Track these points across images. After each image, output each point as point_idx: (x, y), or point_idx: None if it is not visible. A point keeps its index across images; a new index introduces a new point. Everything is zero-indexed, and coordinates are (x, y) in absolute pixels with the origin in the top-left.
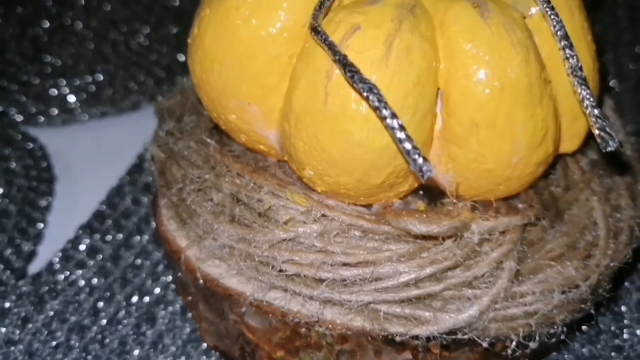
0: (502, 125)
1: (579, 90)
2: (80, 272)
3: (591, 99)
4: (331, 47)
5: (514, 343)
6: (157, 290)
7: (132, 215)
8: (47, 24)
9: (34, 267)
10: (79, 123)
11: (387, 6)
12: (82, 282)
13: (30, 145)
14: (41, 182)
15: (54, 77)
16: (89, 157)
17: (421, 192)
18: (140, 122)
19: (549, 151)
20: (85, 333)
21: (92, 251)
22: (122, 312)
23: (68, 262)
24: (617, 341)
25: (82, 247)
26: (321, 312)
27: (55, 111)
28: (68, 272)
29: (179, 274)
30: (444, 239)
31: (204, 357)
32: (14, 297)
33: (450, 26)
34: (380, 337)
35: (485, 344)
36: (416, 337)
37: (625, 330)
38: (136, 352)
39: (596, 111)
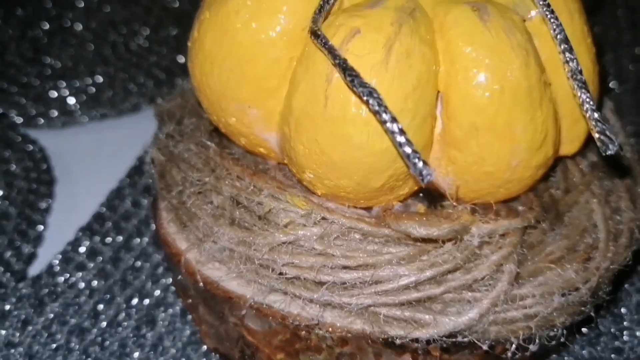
0: (502, 128)
1: (579, 94)
2: (80, 274)
3: (591, 103)
4: (331, 51)
5: (513, 346)
6: (157, 293)
7: (132, 218)
8: (46, 26)
9: (34, 270)
10: (78, 125)
11: (387, 10)
12: (82, 285)
13: (30, 147)
14: (41, 184)
15: (53, 79)
16: (89, 159)
17: (421, 194)
18: (140, 124)
19: (548, 154)
20: (85, 335)
21: (92, 253)
22: (122, 315)
23: (68, 265)
24: (617, 343)
25: (82, 249)
26: (321, 315)
27: (55, 113)
28: (68, 275)
29: (179, 276)
30: (444, 242)
31: (204, 359)
32: (14, 300)
33: (450, 29)
34: (380, 339)
35: (485, 347)
36: (416, 340)
37: (625, 332)
38: (136, 354)
39: (596, 115)
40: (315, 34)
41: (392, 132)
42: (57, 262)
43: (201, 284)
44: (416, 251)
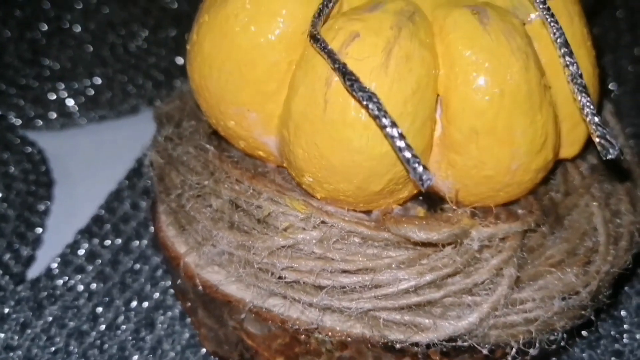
0: (502, 132)
1: (579, 98)
2: (79, 277)
3: (591, 107)
4: (330, 55)
5: (514, 350)
6: (156, 295)
7: (131, 220)
8: (45, 27)
9: (33, 272)
10: (77, 127)
11: (386, 13)
12: (80, 287)
13: (29, 149)
14: (40, 187)
15: (52, 81)
16: (88, 161)
17: (421, 198)
18: (139, 125)
19: (548, 157)
20: (84, 338)
21: (91, 256)
22: (121, 318)
23: (67, 267)
24: (617, 346)
25: (81, 251)
26: (321, 319)
27: (53, 115)
28: (67, 277)
29: (178, 280)
30: (443, 246)
31: None
32: (12, 303)
33: (450, 33)
34: (380, 344)
35: (485, 351)
36: (416, 344)
37: (625, 335)
38: (135, 357)
39: (596, 119)
40: (314, 37)
41: (392, 137)
42: (56, 265)
43: (200, 287)
44: (416, 255)
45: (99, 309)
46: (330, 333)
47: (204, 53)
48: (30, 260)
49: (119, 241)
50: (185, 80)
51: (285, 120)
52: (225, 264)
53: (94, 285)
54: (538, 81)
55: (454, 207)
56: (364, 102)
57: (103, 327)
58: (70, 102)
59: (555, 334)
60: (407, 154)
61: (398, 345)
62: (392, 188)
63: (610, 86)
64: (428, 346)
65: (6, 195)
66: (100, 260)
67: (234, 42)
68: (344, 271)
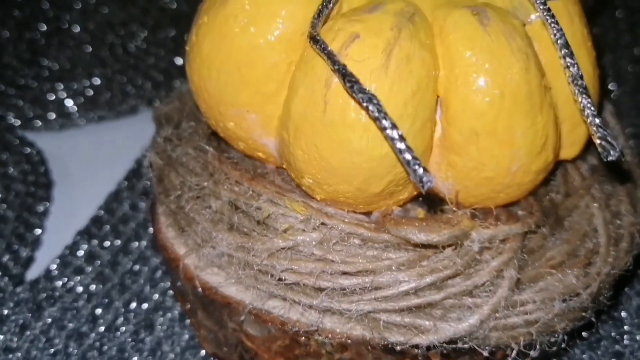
0: (502, 133)
1: (580, 99)
2: (78, 278)
3: (592, 108)
4: (330, 57)
5: (514, 352)
6: (156, 297)
7: (130, 221)
8: (44, 27)
9: (32, 274)
10: (76, 127)
11: (386, 14)
12: (80, 289)
13: (28, 150)
14: (39, 188)
15: (51, 81)
16: (87, 162)
17: (420, 199)
18: (138, 126)
19: (549, 159)
20: (83, 340)
21: (90, 257)
22: (121, 319)
23: (66, 269)
24: (617, 347)
25: (80, 253)
26: (321, 320)
27: (52, 115)
28: (66, 279)
29: (178, 281)
30: (444, 248)
31: None
32: (11, 304)
33: (450, 34)
34: (380, 346)
35: (485, 353)
36: (416, 346)
37: (625, 337)
38: (135, 359)
39: (597, 120)
40: (314, 39)
41: (392, 139)
42: (55, 266)
43: (200, 289)
44: (416, 257)
45: (98, 311)
46: (330, 335)
47: (203, 54)
48: (29, 261)
49: (118, 242)
50: (184, 80)
51: (285, 122)
52: (225, 266)
53: (93, 287)
54: (538, 82)
55: (454, 209)
56: (364, 104)
57: (102, 328)
58: (69, 103)
59: (556, 335)
60: (408, 156)
61: (398, 347)
62: (392, 189)
63: (610, 86)
64: (428, 348)
65: (5, 196)
66: (99, 262)
67: (234, 43)
68: (344, 273)
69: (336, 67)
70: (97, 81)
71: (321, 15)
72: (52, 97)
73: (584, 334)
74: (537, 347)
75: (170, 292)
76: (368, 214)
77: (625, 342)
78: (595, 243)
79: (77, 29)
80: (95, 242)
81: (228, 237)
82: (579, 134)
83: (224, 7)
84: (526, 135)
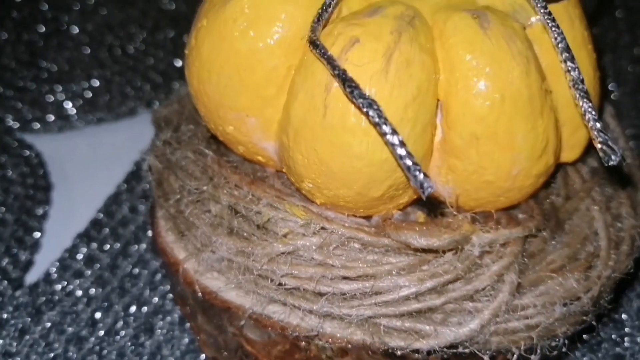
0: (503, 137)
1: (581, 104)
2: (77, 281)
3: (593, 113)
4: (330, 62)
5: (515, 356)
6: (155, 300)
7: (129, 224)
8: (42, 29)
9: (31, 277)
10: (75, 129)
11: (386, 18)
12: (79, 292)
13: (27, 152)
14: (38, 190)
15: (50, 83)
16: (86, 164)
17: (421, 202)
18: (137, 128)
19: (549, 162)
20: (83, 344)
21: (89, 260)
22: (120, 323)
23: (65, 272)
24: (618, 349)
25: (80, 256)
26: (321, 325)
27: (51, 118)
28: (65, 282)
29: (178, 286)
30: (444, 252)
31: None
32: (11, 308)
33: (450, 37)
34: (381, 350)
35: (486, 358)
36: (417, 351)
37: (626, 339)
38: None
39: (598, 125)
40: (314, 43)
41: (393, 145)
42: (55, 269)
43: (200, 294)
44: (416, 261)
45: (98, 314)
46: (330, 340)
47: (203, 58)
48: (28, 265)
49: (117, 245)
50: (183, 82)
51: (285, 126)
52: (225, 270)
53: (92, 290)
54: (539, 86)
55: (455, 212)
56: (364, 109)
57: (102, 332)
58: (68, 105)
59: (557, 339)
60: (408, 162)
61: (399, 352)
62: (392, 194)
63: (610, 87)
64: (429, 353)
65: (4, 199)
66: (98, 265)
67: (233, 47)
68: (344, 278)
69: (336, 72)
70: (95, 83)
71: (321, 19)
72: (51, 99)
73: (584, 336)
74: (538, 351)
75: (170, 295)
76: (368, 218)
77: (626, 344)
78: (596, 246)
79: (75, 30)
80: (94, 245)
81: (228, 241)
82: (580, 137)
83: (223, 11)
84: (527, 139)
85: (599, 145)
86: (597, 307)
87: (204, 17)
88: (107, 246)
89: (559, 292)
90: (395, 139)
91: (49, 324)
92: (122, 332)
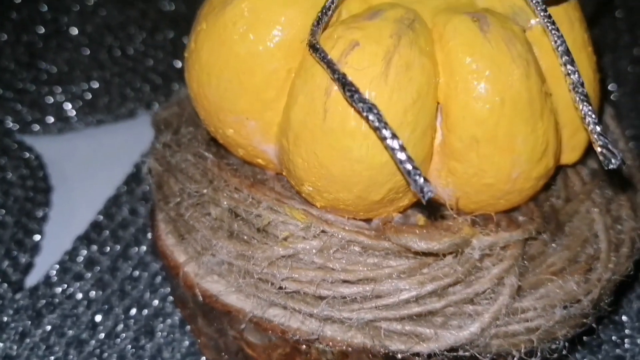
0: (503, 140)
1: (581, 107)
2: (77, 284)
3: (593, 116)
4: (330, 66)
5: (515, 359)
6: (156, 303)
7: (129, 226)
8: (42, 30)
9: (31, 280)
10: (75, 131)
11: (385, 21)
12: (79, 295)
13: (27, 154)
14: (37, 193)
15: (49, 85)
16: (86, 166)
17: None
18: (137, 129)
19: (549, 165)
20: (83, 347)
21: (89, 263)
22: (121, 326)
23: (65, 275)
24: (618, 351)
25: (80, 258)
26: (321, 329)
27: (51, 119)
28: (66, 285)
29: (178, 289)
30: (444, 255)
31: None
32: (11, 311)
33: (450, 40)
34: (381, 354)
35: None
36: (417, 354)
37: (626, 340)
38: None
39: (598, 128)
40: (314, 47)
41: (393, 149)
42: (55, 272)
43: (200, 297)
44: (417, 264)
45: (98, 317)
46: (331, 343)
47: (202, 61)
48: (28, 267)
49: (117, 248)
50: (183, 83)
51: (285, 129)
52: (225, 274)
53: (93, 293)
54: (539, 88)
55: (455, 215)
56: (364, 114)
57: (102, 335)
58: (67, 106)
59: (557, 342)
60: (408, 166)
61: (399, 356)
62: (393, 197)
63: (610, 87)
64: (429, 356)
65: (4, 202)
66: (99, 267)
67: (232, 50)
68: (345, 281)
69: (336, 76)
70: (95, 84)
71: (321, 23)
72: (51, 101)
73: (584, 338)
74: (538, 354)
75: (170, 298)
76: (368, 220)
77: (626, 345)
78: (596, 249)
79: (75, 31)
80: (94, 247)
81: (228, 245)
82: (580, 139)
83: (222, 14)
84: (527, 141)
85: (599, 149)
86: (597, 310)
87: (203, 20)
88: (107, 248)
89: (559, 294)
90: (395, 143)
91: (49, 327)
92: (123, 335)
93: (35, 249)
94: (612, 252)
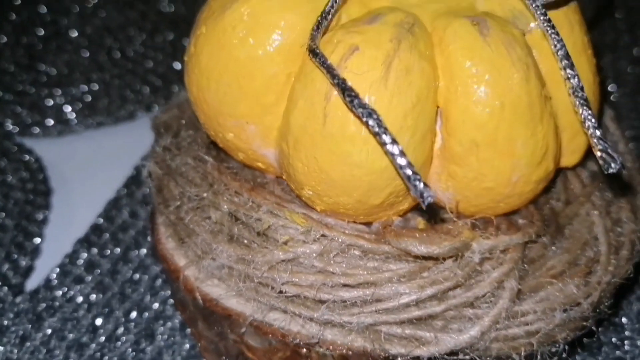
0: (502, 144)
1: (580, 111)
2: (78, 287)
3: (593, 120)
4: (330, 71)
5: None
6: (156, 306)
7: (129, 229)
8: (41, 32)
9: (32, 283)
10: (75, 133)
11: (385, 25)
12: (80, 298)
13: (27, 157)
14: (38, 195)
15: (49, 87)
16: (86, 169)
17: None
18: (136, 131)
19: (549, 168)
20: (84, 351)
21: (90, 266)
22: (121, 329)
23: (66, 278)
24: (618, 353)
25: (80, 261)
26: (322, 333)
27: (51, 122)
28: (66, 288)
29: (178, 292)
30: (444, 259)
31: None
32: (11, 315)
33: (450, 44)
34: (381, 357)
35: None
36: (417, 358)
37: (626, 342)
38: None
39: (598, 133)
40: (313, 52)
41: (393, 154)
42: (55, 275)
43: (200, 301)
44: (417, 268)
45: (99, 320)
46: (331, 347)
47: (202, 65)
48: (29, 270)
49: (117, 250)
50: (183, 85)
51: (285, 134)
52: (225, 278)
53: (93, 296)
54: (539, 92)
55: (455, 219)
56: (364, 119)
57: (103, 338)
58: (67, 109)
59: (557, 345)
60: (408, 172)
61: (399, 359)
62: (393, 201)
63: (610, 88)
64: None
65: (4, 205)
66: (99, 270)
67: (232, 54)
68: (345, 285)
69: (336, 81)
70: (95, 86)
71: (320, 27)
72: (50, 103)
73: (584, 340)
74: (538, 357)
75: (171, 301)
76: (368, 224)
77: (626, 347)
78: (596, 251)
79: (74, 33)
80: (95, 250)
81: (228, 248)
82: (580, 143)
83: (222, 18)
84: (526, 145)
85: (598, 153)
86: (597, 313)
87: (202, 24)
88: (108, 251)
89: (559, 298)
90: (395, 149)
91: (49, 331)
92: (123, 338)
93: (35, 252)
94: (612, 255)
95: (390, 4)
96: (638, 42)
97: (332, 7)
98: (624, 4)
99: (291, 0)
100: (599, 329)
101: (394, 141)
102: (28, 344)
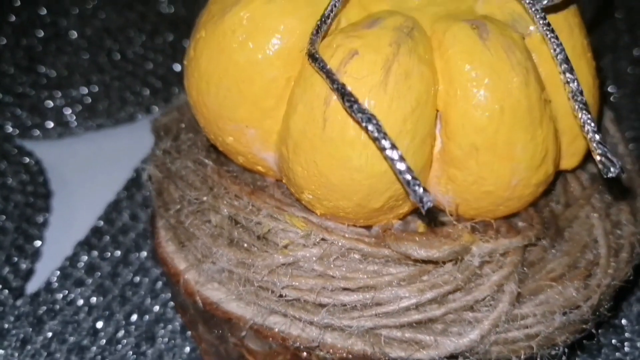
0: (502, 147)
1: (580, 115)
2: (78, 290)
3: (592, 125)
4: (329, 76)
5: None
6: (157, 308)
7: (130, 231)
8: (41, 33)
9: (32, 286)
10: (75, 136)
11: (385, 29)
12: (80, 301)
13: (27, 159)
14: (38, 198)
15: (49, 89)
16: (86, 171)
17: None
18: (136, 133)
19: (549, 172)
20: (84, 354)
21: (90, 269)
22: (122, 332)
23: (66, 281)
24: (618, 354)
25: (81, 264)
26: (322, 336)
27: (51, 124)
28: (66, 291)
29: (178, 296)
30: (444, 262)
31: None
32: (12, 318)
33: (449, 48)
34: None
35: None
36: None
37: (626, 344)
38: None
39: (597, 137)
40: (313, 57)
41: (392, 159)
42: (56, 278)
43: (200, 304)
44: (416, 272)
45: (99, 324)
46: (331, 350)
47: (201, 69)
48: (29, 273)
49: (118, 253)
50: (183, 88)
51: (284, 138)
52: (226, 282)
53: (93, 299)
54: (538, 96)
55: (454, 222)
56: (364, 124)
57: (103, 341)
58: (67, 111)
59: (557, 348)
60: (407, 176)
61: None
62: (392, 204)
63: (609, 89)
64: None
65: (4, 207)
66: (99, 273)
67: (232, 58)
68: (345, 289)
69: (335, 86)
70: (95, 88)
71: (320, 31)
72: (50, 105)
73: (584, 342)
74: None
75: (171, 303)
76: (368, 227)
77: (626, 349)
78: (596, 254)
79: (74, 35)
80: (95, 253)
81: (228, 252)
82: (579, 146)
83: (221, 22)
84: (526, 149)
85: (598, 157)
86: (596, 315)
87: (202, 28)
88: (108, 254)
89: (558, 301)
90: (394, 154)
91: (50, 334)
92: (124, 341)
93: (35, 254)
94: (612, 258)
95: (389, 7)
96: (638, 42)
97: (331, 11)
98: (624, 4)
99: (291, 4)
100: (599, 330)
101: (393, 146)
102: (29, 347)
